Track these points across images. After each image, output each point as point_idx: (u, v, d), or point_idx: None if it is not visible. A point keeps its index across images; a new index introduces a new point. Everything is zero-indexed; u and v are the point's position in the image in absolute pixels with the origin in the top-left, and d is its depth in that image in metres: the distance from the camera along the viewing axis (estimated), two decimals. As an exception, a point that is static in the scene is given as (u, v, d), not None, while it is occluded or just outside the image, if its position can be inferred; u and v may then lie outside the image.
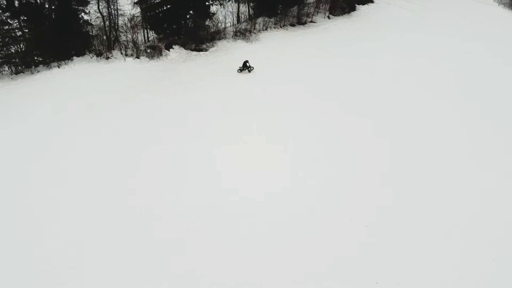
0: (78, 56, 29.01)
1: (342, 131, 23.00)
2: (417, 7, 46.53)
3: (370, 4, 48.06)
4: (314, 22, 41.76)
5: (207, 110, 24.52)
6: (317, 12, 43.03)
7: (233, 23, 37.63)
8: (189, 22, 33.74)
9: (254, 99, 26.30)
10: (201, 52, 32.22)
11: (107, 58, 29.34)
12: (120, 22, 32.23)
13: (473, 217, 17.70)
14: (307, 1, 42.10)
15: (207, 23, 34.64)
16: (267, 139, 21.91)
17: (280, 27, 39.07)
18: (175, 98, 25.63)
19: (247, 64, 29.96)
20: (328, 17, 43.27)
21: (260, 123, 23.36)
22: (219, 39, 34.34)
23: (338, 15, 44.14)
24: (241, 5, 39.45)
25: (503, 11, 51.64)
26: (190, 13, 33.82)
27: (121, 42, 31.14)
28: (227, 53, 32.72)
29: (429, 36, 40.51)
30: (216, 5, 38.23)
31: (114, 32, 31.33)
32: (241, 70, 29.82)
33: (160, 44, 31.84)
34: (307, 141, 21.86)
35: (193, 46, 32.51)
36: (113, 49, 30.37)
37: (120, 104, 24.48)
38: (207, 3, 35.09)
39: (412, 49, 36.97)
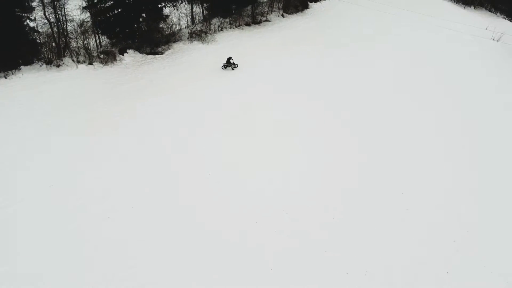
0: (26, 65, 27.54)
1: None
2: (370, 3, 48.21)
3: (323, 2, 49.35)
4: (269, 21, 42.24)
5: (172, 115, 24.25)
6: (271, 11, 43.56)
7: (187, 24, 37.26)
8: (142, 25, 33.01)
9: (223, 102, 26.44)
10: (157, 55, 31.63)
11: (58, 66, 28.05)
12: (70, 28, 30.95)
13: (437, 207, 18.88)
14: (261, 1, 42.53)
15: (161, 25, 34.05)
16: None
17: (236, 27, 39.15)
18: (131, 104, 25.06)
19: (231, 61, 30.10)
20: (282, 16, 43.92)
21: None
22: (175, 41, 33.88)
23: (292, 13, 44.92)
24: (194, 6, 39.13)
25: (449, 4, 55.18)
26: (143, 16, 33.09)
27: (72, 48, 29.89)
28: (184, 55, 32.36)
29: (381, 30, 42.33)
30: (169, 7, 37.74)
31: (63, 39, 30.03)
32: (225, 67, 30.10)
33: (113, 49, 30.89)
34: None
35: (148, 49, 31.85)
36: (64, 56, 29.07)
37: (74, 114, 23.47)
38: (159, 5, 34.50)
39: (365, 44, 38.48)
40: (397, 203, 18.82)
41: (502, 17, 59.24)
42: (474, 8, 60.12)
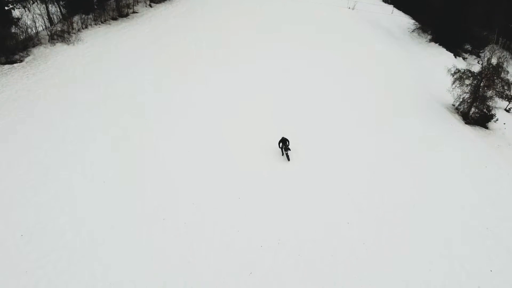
0: None
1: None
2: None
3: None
4: (137, 12, 40.79)
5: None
6: (138, 2, 42.04)
7: (46, 26, 33.88)
8: (-11, 33, 29.02)
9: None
10: (15, 64, 28.27)
11: None
12: None
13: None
14: (124, -8, 40.67)
15: (13, 30, 30.37)
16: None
17: (102, 22, 36.95)
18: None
19: (287, 143, 21.49)
20: (150, 5, 42.77)
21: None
22: (34, 46, 30.59)
23: (160, 2, 43.98)
24: (50, 5, 35.62)
25: None
26: (-12, 23, 29.11)
27: None
28: (48, 59, 29.49)
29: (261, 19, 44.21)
30: (18, 8, 33.79)
31: None
32: (284, 151, 21.69)
33: (-43, 65, 26.74)
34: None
35: (3, 59, 28.29)
36: None
37: None
38: (6, 8, 30.64)
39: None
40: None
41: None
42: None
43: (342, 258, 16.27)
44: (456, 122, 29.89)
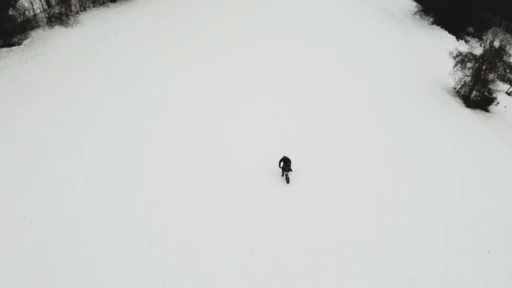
0: None
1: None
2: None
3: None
4: (135, -6, 40.14)
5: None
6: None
7: (43, 8, 33.48)
8: (-14, 15, 28.71)
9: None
10: (13, 47, 28.07)
11: None
12: None
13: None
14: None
15: (11, 12, 30.03)
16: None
17: (100, 4, 36.52)
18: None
19: (288, 163, 18.98)
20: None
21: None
22: (32, 28, 30.32)
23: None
24: (48, -13, 35.11)
25: None
26: (-15, 5, 28.74)
27: None
28: (47, 42, 29.27)
29: None
30: (16, -10, 33.27)
31: None
32: (285, 172, 19.20)
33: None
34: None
35: (1, 42, 28.06)
36: None
37: None
38: (3, -10, 30.22)
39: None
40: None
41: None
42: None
43: (340, 244, 16.44)
44: (457, 106, 29.79)
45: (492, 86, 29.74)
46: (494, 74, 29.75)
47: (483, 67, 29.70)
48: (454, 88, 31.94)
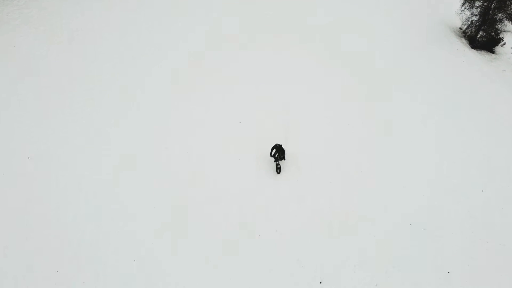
0: None
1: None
2: None
3: None
4: None
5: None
6: None
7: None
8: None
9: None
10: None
11: None
12: None
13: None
14: None
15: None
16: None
17: None
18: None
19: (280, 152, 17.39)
20: None
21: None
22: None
23: None
24: None
25: None
26: None
27: None
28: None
29: None
30: None
31: None
32: (277, 166, 17.77)
33: None
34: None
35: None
36: None
37: None
38: None
39: None
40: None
41: None
42: None
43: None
44: (462, 46, 29.12)
45: (499, 26, 28.83)
46: (503, 13, 28.69)
47: (492, 6, 28.58)
48: (460, 29, 31.01)
